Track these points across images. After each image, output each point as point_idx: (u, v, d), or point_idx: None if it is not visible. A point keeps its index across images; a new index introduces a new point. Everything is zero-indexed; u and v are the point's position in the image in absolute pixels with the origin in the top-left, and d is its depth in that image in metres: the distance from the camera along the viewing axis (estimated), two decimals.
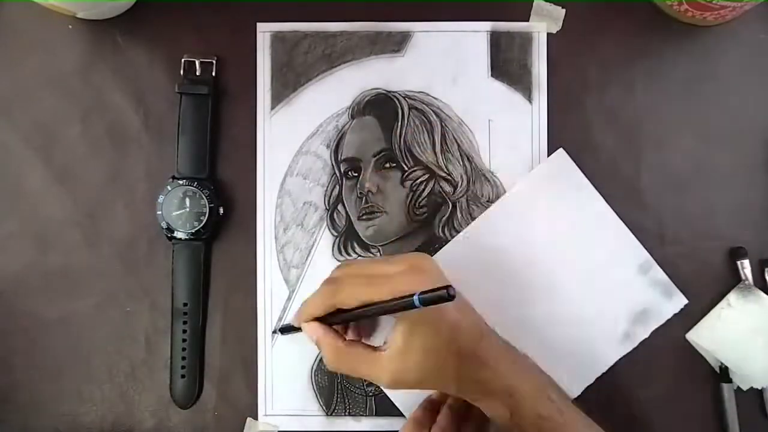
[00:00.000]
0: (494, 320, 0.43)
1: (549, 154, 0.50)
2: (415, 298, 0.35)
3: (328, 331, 0.43)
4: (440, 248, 0.50)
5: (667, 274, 0.49)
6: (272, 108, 0.51)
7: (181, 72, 0.50)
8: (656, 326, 0.49)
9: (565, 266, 0.49)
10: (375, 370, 0.41)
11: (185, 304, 0.50)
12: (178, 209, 0.49)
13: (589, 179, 0.50)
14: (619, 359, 0.49)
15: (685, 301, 0.49)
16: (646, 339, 0.49)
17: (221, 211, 0.50)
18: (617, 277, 0.49)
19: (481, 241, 0.50)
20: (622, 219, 0.50)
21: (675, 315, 0.49)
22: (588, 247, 0.49)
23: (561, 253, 0.49)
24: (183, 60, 0.50)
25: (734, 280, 0.50)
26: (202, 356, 0.50)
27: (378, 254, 0.50)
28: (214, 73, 0.50)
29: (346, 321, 0.44)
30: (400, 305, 0.36)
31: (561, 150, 0.49)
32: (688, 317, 0.49)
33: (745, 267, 0.49)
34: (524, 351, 0.43)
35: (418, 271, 0.40)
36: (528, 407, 0.40)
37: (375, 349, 0.42)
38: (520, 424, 0.40)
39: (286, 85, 0.51)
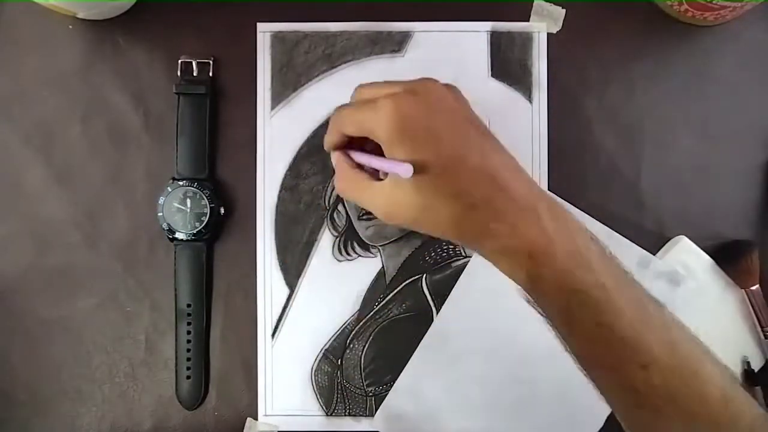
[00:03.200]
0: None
1: (549, 154, 0.50)
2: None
3: (342, 156, 0.42)
4: (439, 248, 0.50)
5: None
6: (272, 108, 0.51)
7: (178, 73, 0.50)
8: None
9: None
10: (372, 199, 0.39)
11: (189, 305, 0.50)
12: (179, 210, 0.49)
13: (589, 179, 0.50)
14: None
15: (695, 283, 0.48)
16: None
17: (222, 211, 0.50)
18: None
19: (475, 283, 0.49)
20: (622, 219, 0.50)
21: None
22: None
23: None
24: (180, 61, 0.50)
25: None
26: (206, 357, 0.50)
27: (378, 254, 0.50)
28: (211, 73, 0.50)
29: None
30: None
31: None
32: None
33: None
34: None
35: (410, 92, 0.36)
36: (555, 272, 0.33)
37: (378, 179, 0.40)
38: (542, 294, 0.35)
39: (286, 85, 0.51)
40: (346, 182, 0.41)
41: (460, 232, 0.36)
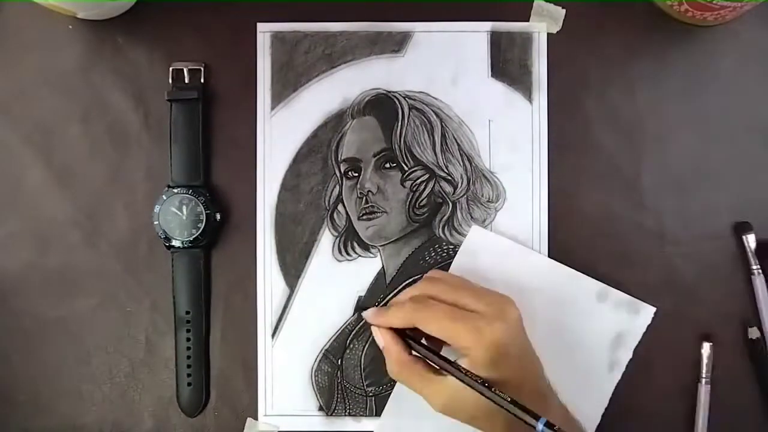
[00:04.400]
0: None
1: (549, 154, 0.50)
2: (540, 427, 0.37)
3: (397, 342, 0.44)
4: (440, 248, 0.50)
5: (667, 274, 0.49)
6: (272, 108, 0.51)
7: (170, 80, 0.50)
8: (635, 344, 0.49)
9: (530, 329, 0.46)
10: (431, 393, 0.42)
11: (188, 312, 0.50)
12: (175, 218, 0.49)
13: (589, 180, 0.50)
14: (617, 387, 0.48)
15: (654, 310, 0.49)
16: (631, 359, 0.49)
17: (218, 216, 0.50)
18: (580, 315, 0.49)
19: None
20: (622, 219, 0.50)
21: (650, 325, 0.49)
22: (541, 302, 0.48)
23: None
24: (171, 68, 0.50)
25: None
26: (207, 363, 0.50)
27: (378, 254, 0.50)
28: (203, 79, 0.50)
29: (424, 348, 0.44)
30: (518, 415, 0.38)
31: (474, 226, 0.50)
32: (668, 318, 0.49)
33: (750, 242, 0.49)
34: None
35: (501, 318, 0.41)
36: None
37: (437, 371, 0.42)
38: None
39: (286, 86, 0.51)
40: (405, 371, 0.43)
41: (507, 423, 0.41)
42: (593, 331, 0.49)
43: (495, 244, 0.50)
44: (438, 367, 0.42)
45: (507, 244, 0.50)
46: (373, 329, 0.45)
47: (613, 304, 0.49)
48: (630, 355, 0.49)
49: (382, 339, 0.44)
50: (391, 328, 0.44)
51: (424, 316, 0.42)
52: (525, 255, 0.49)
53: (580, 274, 0.49)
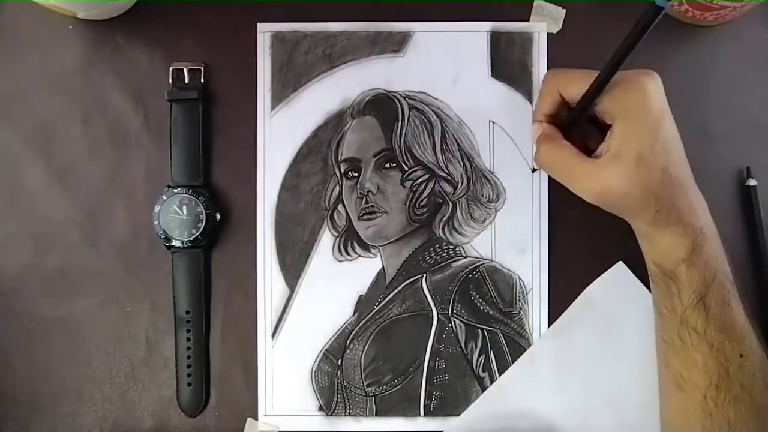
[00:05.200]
0: None
1: None
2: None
3: (550, 128, 0.44)
4: (440, 248, 0.50)
5: None
6: (272, 108, 0.51)
7: (170, 80, 0.50)
8: None
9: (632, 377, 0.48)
10: (583, 177, 0.42)
11: (188, 312, 0.50)
12: (175, 218, 0.49)
13: None
14: None
15: None
16: None
17: (218, 216, 0.50)
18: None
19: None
20: (621, 219, 0.50)
21: None
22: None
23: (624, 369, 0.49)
24: (171, 68, 0.50)
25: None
26: (207, 363, 0.50)
27: (378, 254, 0.51)
28: (203, 79, 0.50)
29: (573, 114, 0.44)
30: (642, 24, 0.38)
31: (620, 263, 0.50)
32: None
33: (752, 182, 0.50)
34: None
35: (653, 76, 0.42)
36: (710, 255, 0.40)
37: (589, 157, 0.42)
38: (695, 263, 0.40)
39: (286, 86, 0.51)
40: (555, 156, 0.43)
41: (657, 206, 0.41)
42: None
43: (632, 286, 0.49)
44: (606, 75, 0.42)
45: (642, 290, 0.49)
46: (531, 128, 0.46)
47: None
48: None
49: (536, 131, 0.45)
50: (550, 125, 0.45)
51: (566, 79, 0.43)
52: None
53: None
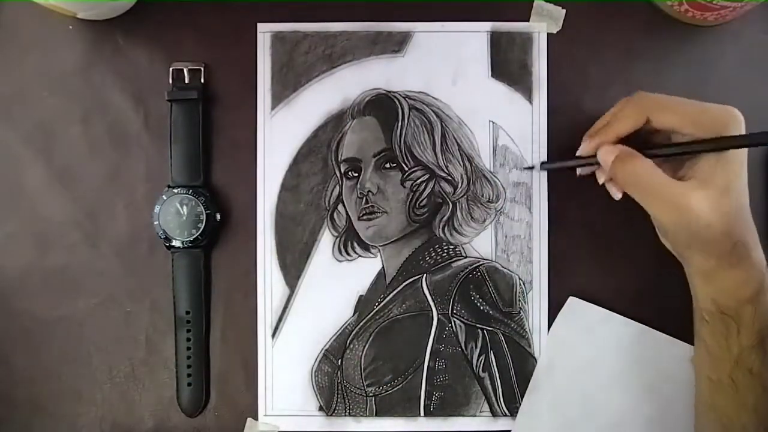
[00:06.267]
0: None
1: (549, 154, 0.50)
2: None
3: (627, 148, 0.42)
4: (440, 248, 0.50)
5: (668, 275, 0.49)
6: (272, 108, 0.51)
7: (170, 80, 0.50)
8: None
9: (629, 403, 0.48)
10: (667, 198, 0.40)
11: (188, 312, 0.50)
12: (175, 218, 0.49)
13: (589, 179, 0.50)
14: None
15: None
16: None
17: (218, 217, 0.50)
18: (672, 380, 0.48)
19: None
20: (621, 219, 0.50)
21: None
22: (633, 368, 0.49)
23: (618, 396, 0.49)
24: (171, 68, 0.50)
25: None
26: (207, 363, 0.50)
27: (378, 254, 0.51)
28: (203, 79, 0.50)
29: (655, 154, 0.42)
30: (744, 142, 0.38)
31: (572, 298, 0.50)
32: None
33: None
34: None
35: (736, 113, 0.41)
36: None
37: (672, 179, 0.41)
38: (761, 303, 0.39)
39: (286, 86, 0.51)
40: (640, 175, 0.41)
41: (733, 242, 0.40)
42: (687, 396, 0.47)
43: (590, 313, 0.50)
44: (676, 155, 0.41)
45: (602, 313, 0.49)
46: (600, 154, 0.43)
47: None
48: None
49: (611, 153, 0.42)
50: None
51: (656, 104, 0.42)
52: (618, 323, 0.49)
53: (673, 339, 0.49)
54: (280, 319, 0.50)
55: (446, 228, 0.51)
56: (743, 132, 0.40)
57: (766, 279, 0.40)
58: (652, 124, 0.42)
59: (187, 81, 0.50)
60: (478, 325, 0.50)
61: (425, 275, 0.50)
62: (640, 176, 0.41)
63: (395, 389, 0.50)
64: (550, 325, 0.50)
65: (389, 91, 0.51)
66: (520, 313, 0.50)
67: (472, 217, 0.50)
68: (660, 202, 0.41)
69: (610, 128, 0.43)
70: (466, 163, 0.51)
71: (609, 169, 0.43)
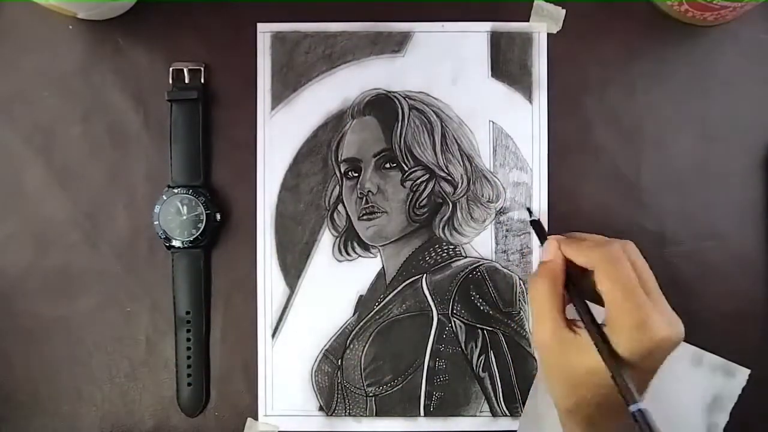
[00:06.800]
0: None
1: (549, 154, 0.50)
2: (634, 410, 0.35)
3: (560, 272, 0.41)
4: (440, 248, 0.50)
5: (668, 275, 0.49)
6: (272, 108, 0.51)
7: (170, 80, 0.50)
8: (731, 406, 0.48)
9: None
10: (546, 331, 0.40)
11: (188, 312, 0.50)
12: (175, 218, 0.49)
13: (589, 180, 0.50)
14: None
15: (748, 371, 0.48)
16: (728, 421, 0.48)
17: (218, 217, 0.50)
18: (675, 380, 0.48)
19: None
20: (622, 219, 0.50)
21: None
22: None
23: None
24: (171, 68, 0.50)
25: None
26: (207, 363, 0.50)
27: (378, 254, 0.51)
28: (203, 80, 0.50)
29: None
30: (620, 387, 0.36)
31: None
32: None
33: None
34: None
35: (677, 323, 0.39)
36: None
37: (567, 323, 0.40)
38: None
39: (286, 86, 0.51)
40: (547, 299, 0.41)
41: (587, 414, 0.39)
42: (689, 396, 0.48)
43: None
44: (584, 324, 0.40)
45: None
46: (547, 242, 0.43)
47: (708, 368, 0.49)
48: (727, 417, 0.48)
49: (552, 252, 0.42)
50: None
51: (587, 252, 0.40)
52: None
53: None
54: (280, 319, 0.50)
55: (446, 228, 0.51)
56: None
57: None
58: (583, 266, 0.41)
59: (187, 81, 0.50)
60: (478, 325, 0.50)
61: (425, 275, 0.50)
62: (541, 297, 0.41)
63: (395, 389, 0.50)
64: None
65: (389, 91, 0.51)
66: (520, 313, 0.50)
67: (472, 217, 0.50)
68: (536, 327, 0.41)
69: (568, 239, 0.43)
70: (466, 163, 0.51)
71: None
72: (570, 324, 0.40)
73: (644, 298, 0.38)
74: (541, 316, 0.41)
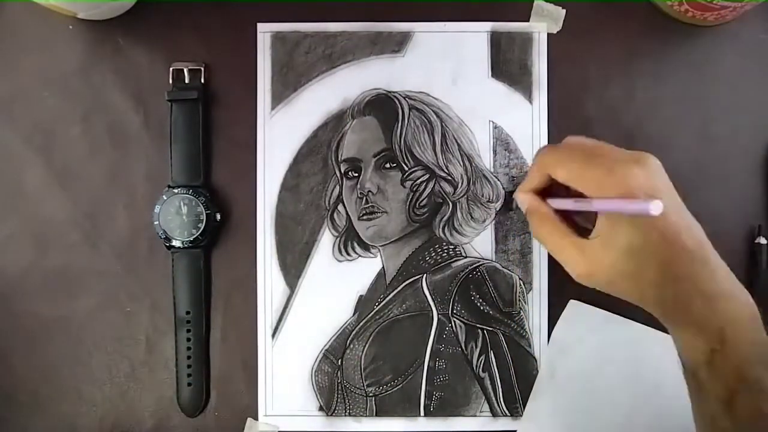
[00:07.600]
0: None
1: None
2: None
3: (540, 203, 0.41)
4: (440, 248, 0.50)
5: None
6: (272, 108, 0.51)
7: (170, 80, 0.50)
8: None
9: (634, 404, 0.48)
10: (572, 255, 0.39)
11: (188, 312, 0.50)
12: (175, 218, 0.49)
13: None
14: None
15: None
16: None
17: (218, 217, 0.50)
18: (679, 378, 0.48)
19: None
20: None
21: None
22: (638, 369, 0.49)
23: (622, 396, 0.49)
24: (171, 68, 0.50)
25: None
26: (207, 363, 0.50)
27: (378, 254, 0.51)
28: (203, 80, 0.50)
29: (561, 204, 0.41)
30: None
31: (572, 301, 0.50)
32: None
33: (762, 244, 0.49)
34: None
35: (642, 164, 0.37)
36: (736, 358, 0.35)
37: (581, 234, 0.39)
38: (714, 371, 0.36)
39: (286, 86, 0.51)
40: (549, 232, 0.40)
41: (659, 302, 0.37)
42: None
43: (590, 316, 0.49)
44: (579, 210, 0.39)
45: (602, 315, 0.49)
46: (516, 199, 0.43)
47: None
48: None
49: (524, 203, 0.42)
50: (533, 194, 0.42)
51: (554, 164, 0.39)
52: (619, 324, 0.49)
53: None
54: (280, 319, 0.50)
55: (446, 228, 0.50)
56: (656, 183, 0.37)
57: (717, 342, 0.35)
58: (557, 180, 0.40)
59: (187, 81, 0.50)
60: (478, 325, 0.50)
61: (425, 275, 0.50)
62: (543, 235, 0.41)
63: (395, 389, 0.50)
64: (550, 325, 0.50)
65: (389, 91, 0.51)
66: (520, 313, 0.50)
67: (472, 217, 0.50)
68: (563, 260, 0.40)
69: (525, 182, 0.43)
70: (466, 163, 0.51)
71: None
72: (586, 234, 0.39)
73: (595, 156, 0.38)
74: (560, 253, 0.40)
